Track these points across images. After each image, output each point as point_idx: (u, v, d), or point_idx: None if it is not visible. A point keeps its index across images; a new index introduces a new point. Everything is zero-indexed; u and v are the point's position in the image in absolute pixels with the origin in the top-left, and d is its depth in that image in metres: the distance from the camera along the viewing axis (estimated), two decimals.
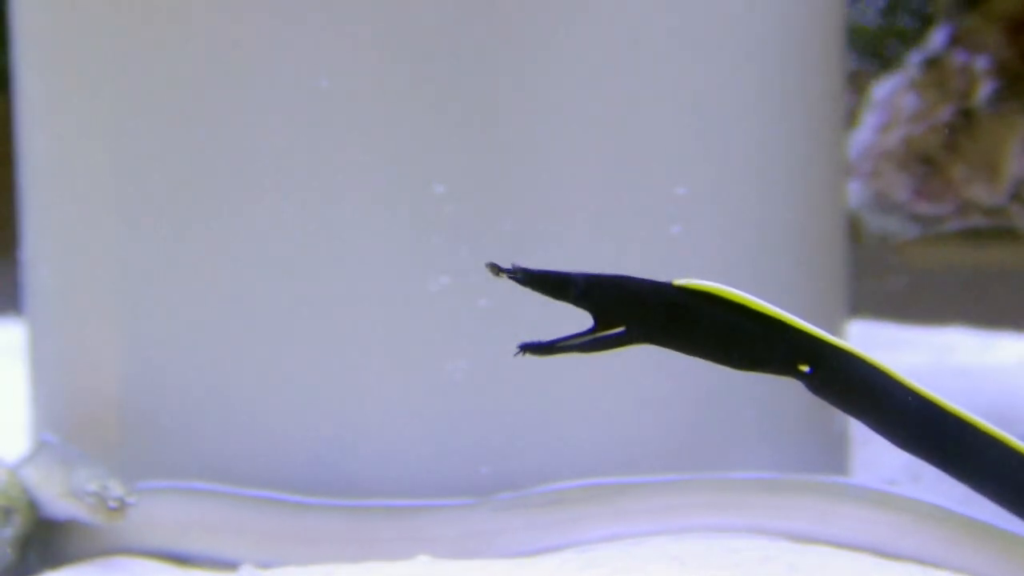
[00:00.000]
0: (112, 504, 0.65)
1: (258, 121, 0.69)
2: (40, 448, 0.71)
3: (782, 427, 0.75)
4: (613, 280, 0.53)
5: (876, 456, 0.90)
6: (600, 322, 0.53)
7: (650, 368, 0.71)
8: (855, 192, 0.94)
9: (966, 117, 0.92)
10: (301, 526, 0.67)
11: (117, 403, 0.72)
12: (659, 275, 0.54)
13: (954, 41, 0.94)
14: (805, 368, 0.54)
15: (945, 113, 0.93)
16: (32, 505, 0.68)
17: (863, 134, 0.95)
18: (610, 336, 0.54)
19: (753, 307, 0.53)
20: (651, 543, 0.65)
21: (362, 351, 0.69)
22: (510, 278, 0.52)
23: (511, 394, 0.69)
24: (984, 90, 0.92)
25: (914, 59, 0.96)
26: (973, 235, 0.98)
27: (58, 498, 0.67)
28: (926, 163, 0.93)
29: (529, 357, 0.53)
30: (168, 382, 0.71)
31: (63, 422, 0.75)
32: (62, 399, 0.75)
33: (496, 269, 0.52)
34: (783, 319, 0.54)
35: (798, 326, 0.54)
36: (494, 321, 0.69)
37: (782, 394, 0.74)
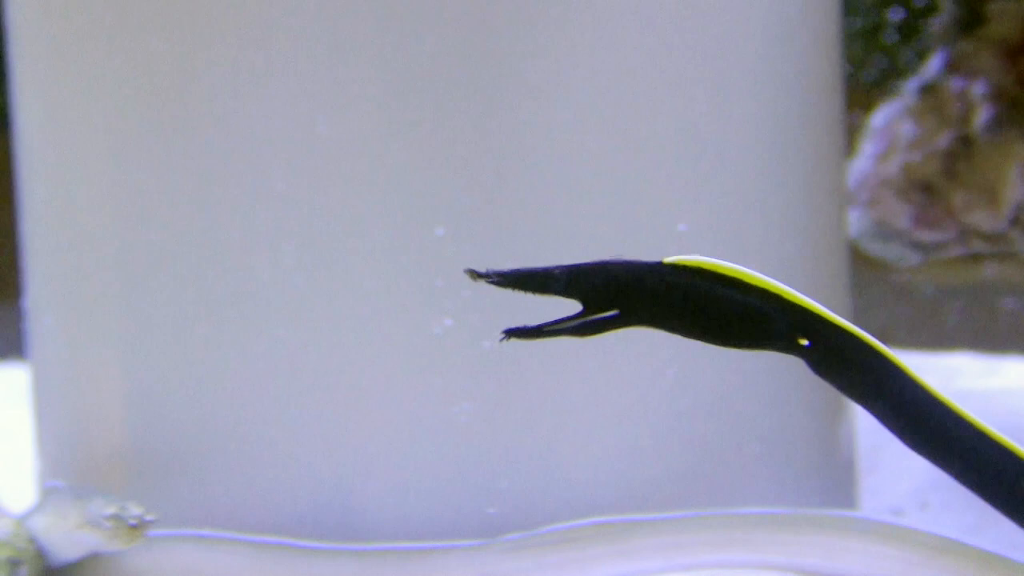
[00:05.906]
0: (132, 522, 0.65)
1: (258, 166, 0.69)
2: (48, 494, 0.70)
3: (788, 458, 0.75)
4: (598, 266, 0.52)
5: (882, 484, 0.90)
6: (590, 308, 0.52)
7: (656, 406, 0.71)
8: (855, 220, 0.94)
9: (965, 143, 0.92)
10: (311, 571, 0.67)
11: (123, 450, 0.72)
12: None
13: (950, 67, 0.94)
14: (804, 342, 0.53)
15: (943, 140, 0.93)
16: (39, 555, 0.68)
17: (861, 162, 0.95)
18: (600, 319, 0.52)
19: (749, 280, 0.52)
20: None
21: (367, 395, 0.69)
22: (489, 283, 0.51)
23: (516, 435, 0.69)
24: (982, 116, 0.92)
25: (911, 85, 0.96)
26: (975, 260, 0.98)
27: (75, 530, 0.66)
28: (925, 190, 0.93)
29: (515, 342, 0.52)
30: (174, 428, 0.71)
31: (70, 470, 0.75)
32: (68, 447, 0.75)
33: (474, 275, 0.51)
34: (780, 292, 0.52)
35: (796, 300, 0.52)
36: (498, 362, 0.69)
37: (788, 426, 0.74)
